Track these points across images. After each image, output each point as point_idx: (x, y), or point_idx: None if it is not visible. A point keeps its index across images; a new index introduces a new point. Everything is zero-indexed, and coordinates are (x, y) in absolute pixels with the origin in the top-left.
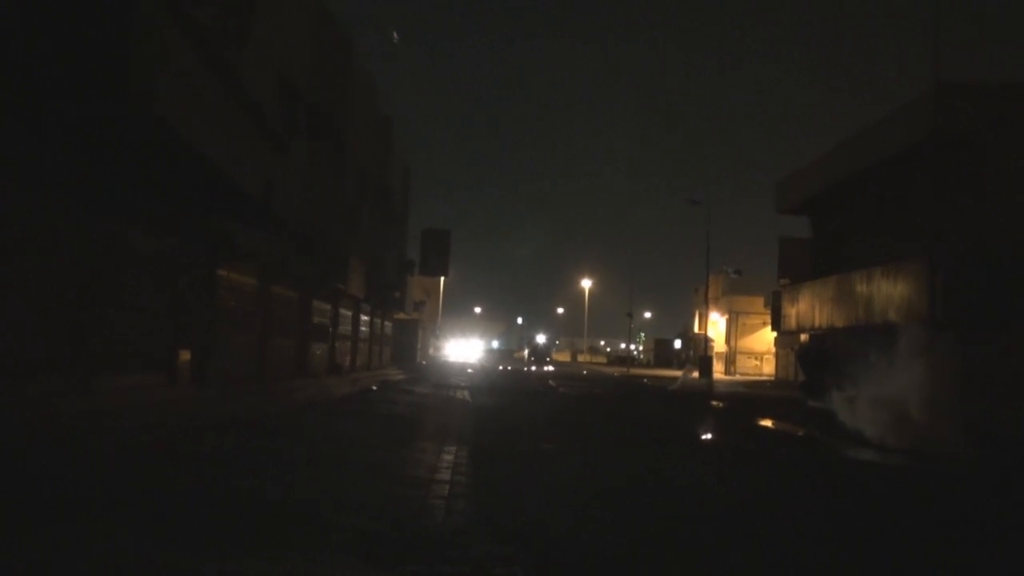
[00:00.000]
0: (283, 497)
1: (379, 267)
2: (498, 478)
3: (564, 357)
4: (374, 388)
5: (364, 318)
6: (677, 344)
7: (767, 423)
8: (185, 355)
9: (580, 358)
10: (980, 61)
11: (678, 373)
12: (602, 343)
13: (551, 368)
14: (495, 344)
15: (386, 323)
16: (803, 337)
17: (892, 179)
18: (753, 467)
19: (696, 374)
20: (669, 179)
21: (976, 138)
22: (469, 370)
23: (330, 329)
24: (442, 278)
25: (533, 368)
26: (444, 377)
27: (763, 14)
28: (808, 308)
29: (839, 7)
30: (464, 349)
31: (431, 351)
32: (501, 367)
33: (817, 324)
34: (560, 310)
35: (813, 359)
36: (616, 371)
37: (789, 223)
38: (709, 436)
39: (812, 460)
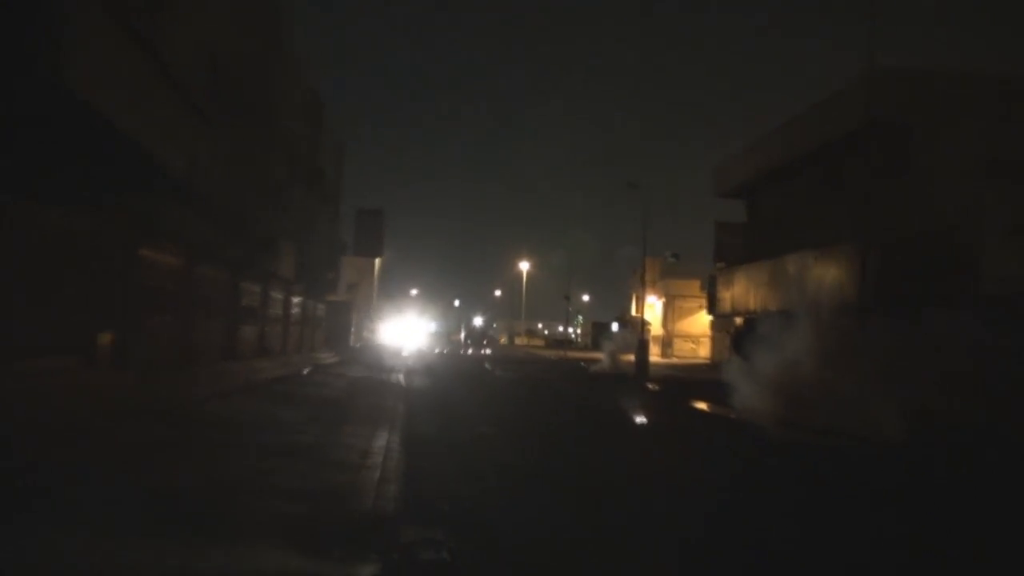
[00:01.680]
0: (206, 484)
1: (311, 248)
2: (428, 463)
3: (502, 340)
4: (306, 372)
5: (296, 300)
6: (615, 327)
7: (698, 405)
8: (105, 338)
9: (517, 340)
10: (914, 44)
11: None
12: (540, 326)
13: (488, 351)
14: (432, 327)
15: (319, 305)
16: (738, 320)
17: (825, 165)
18: (676, 447)
19: (629, 356)
20: (611, 163)
21: (905, 124)
22: (404, 353)
23: (260, 311)
24: (377, 259)
25: (470, 351)
26: (379, 360)
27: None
28: (743, 291)
29: None
30: (402, 332)
31: (365, 334)
32: (437, 350)
33: (751, 307)
34: (498, 292)
35: (747, 342)
36: (553, 354)
37: (728, 208)
38: (639, 419)
39: (734, 440)
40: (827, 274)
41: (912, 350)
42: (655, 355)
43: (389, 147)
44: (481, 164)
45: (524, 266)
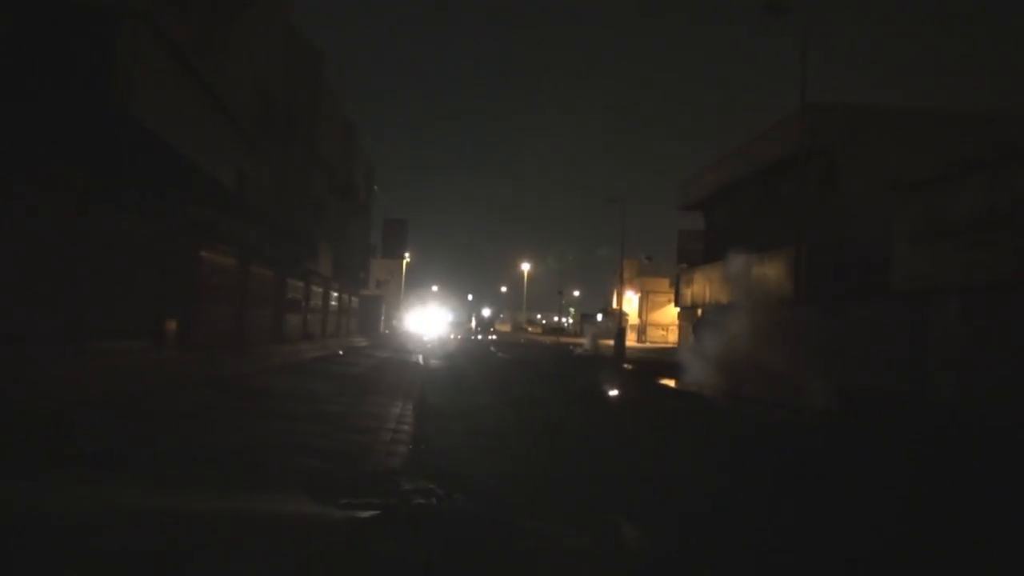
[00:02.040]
0: (242, 441)
1: (345, 251)
2: (436, 427)
3: (506, 328)
4: (340, 352)
5: (334, 294)
6: (599, 317)
7: (667, 382)
8: (171, 324)
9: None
10: (846, 80)
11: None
12: (539, 316)
13: (494, 337)
14: (450, 317)
15: (353, 298)
16: (698, 312)
17: (768, 183)
18: (643, 414)
19: (608, 342)
20: (599, 179)
21: (832, 150)
22: (425, 339)
23: (303, 303)
24: (404, 260)
25: (479, 337)
26: (403, 344)
27: (678, 37)
28: (701, 288)
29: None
30: (424, 321)
31: (394, 323)
32: (453, 336)
33: (707, 300)
34: (504, 288)
35: (702, 329)
36: (549, 339)
37: (691, 217)
38: (615, 392)
39: (695, 409)
40: (767, 273)
41: (835, 335)
42: (632, 341)
43: (412, 159)
44: (488, 169)
45: (525, 266)
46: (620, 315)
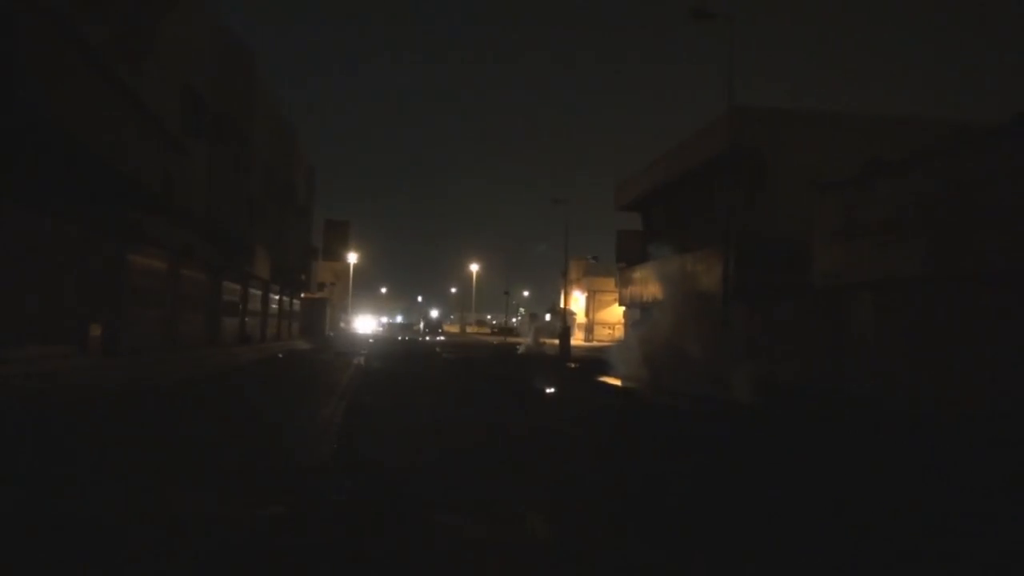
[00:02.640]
0: (174, 442)
1: (285, 253)
2: (365, 426)
3: (455, 329)
4: (280, 356)
5: (274, 297)
6: (547, 317)
7: (603, 378)
8: (96, 329)
9: (469, 329)
10: (775, 83)
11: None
12: (489, 317)
13: (442, 338)
14: (399, 318)
15: (294, 301)
16: (635, 311)
17: (701, 183)
18: (575, 409)
19: (554, 341)
20: (544, 180)
21: (761, 151)
22: (370, 340)
23: (240, 306)
24: (351, 262)
25: (427, 338)
26: (347, 346)
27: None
28: (639, 287)
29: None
30: (368, 323)
31: (341, 325)
32: (400, 337)
33: (645, 299)
34: (453, 289)
35: (639, 327)
36: (496, 339)
37: (630, 218)
38: (552, 389)
39: (626, 402)
40: (699, 272)
41: (761, 331)
42: (579, 339)
43: (359, 164)
44: (434, 172)
45: (473, 267)
46: (565, 314)
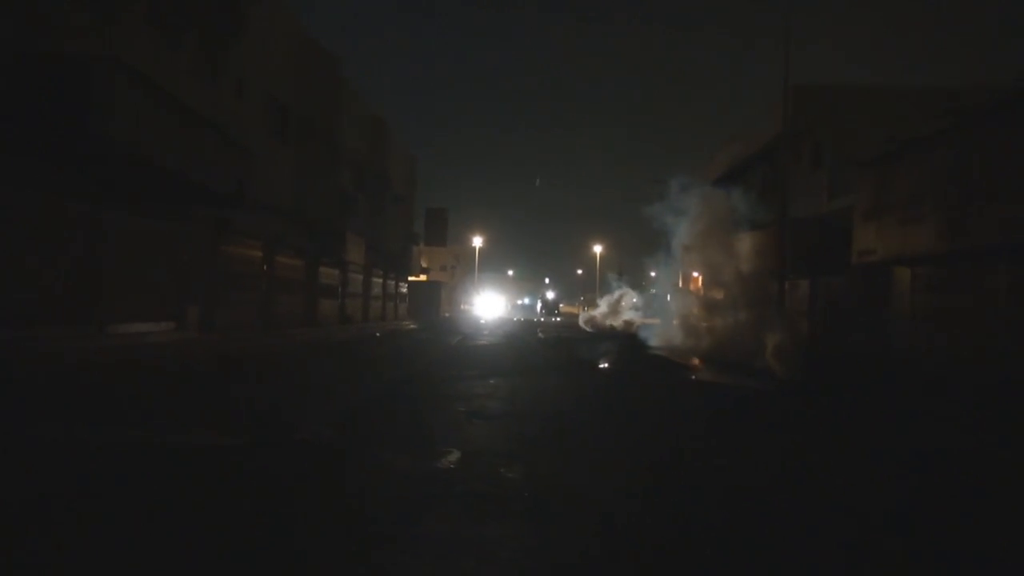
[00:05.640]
0: (245, 400)
1: (383, 239)
2: (422, 401)
3: (575, 310)
4: (377, 335)
5: (377, 280)
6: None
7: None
8: (193, 309)
9: (589, 309)
10: (831, 60)
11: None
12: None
13: (558, 319)
14: (526, 300)
15: (400, 284)
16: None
17: (769, 162)
18: (640, 382)
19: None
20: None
21: (816, 130)
22: (482, 321)
23: (339, 289)
24: (477, 245)
25: (542, 319)
26: (455, 326)
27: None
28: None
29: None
30: (492, 304)
31: (463, 306)
32: (515, 318)
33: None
34: (579, 271)
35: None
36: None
37: None
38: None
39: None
40: (759, 248)
41: (818, 303)
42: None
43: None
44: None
45: (597, 248)
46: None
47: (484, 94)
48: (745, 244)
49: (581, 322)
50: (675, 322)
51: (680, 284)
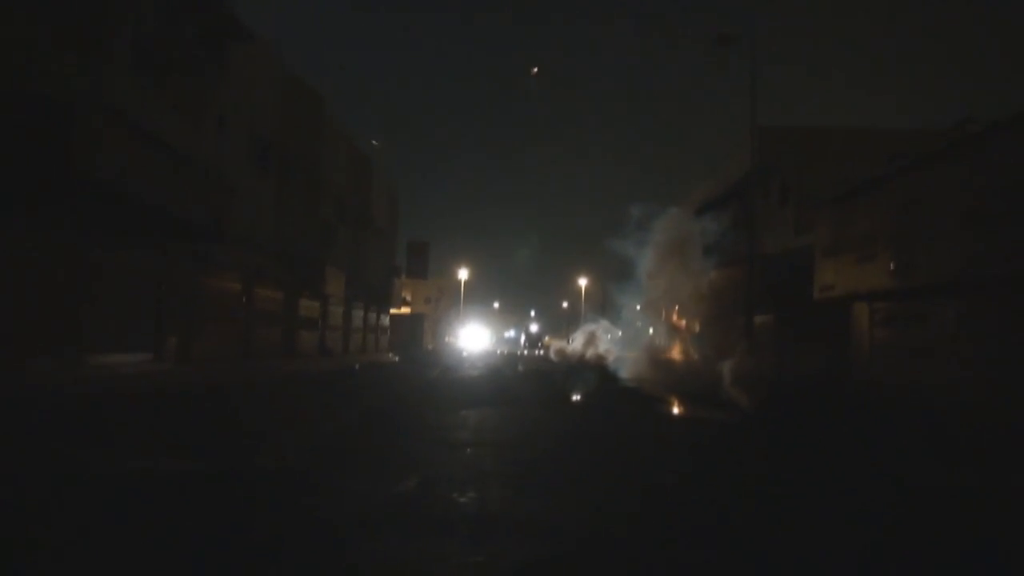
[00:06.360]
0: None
1: (364, 272)
2: (388, 430)
3: (561, 343)
4: (356, 367)
5: (358, 312)
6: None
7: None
8: (171, 340)
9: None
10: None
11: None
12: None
13: (542, 352)
14: (511, 333)
15: (382, 316)
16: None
17: (740, 199)
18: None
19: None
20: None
21: (784, 169)
22: (464, 354)
23: (319, 321)
24: (462, 278)
25: (525, 352)
26: (436, 359)
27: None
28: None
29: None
30: (474, 337)
31: (448, 339)
32: (498, 351)
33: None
34: (564, 304)
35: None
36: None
37: None
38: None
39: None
40: (728, 283)
41: (783, 337)
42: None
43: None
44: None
45: (582, 281)
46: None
47: (470, 128)
48: (715, 279)
49: (551, 353)
50: (642, 354)
51: (647, 311)
